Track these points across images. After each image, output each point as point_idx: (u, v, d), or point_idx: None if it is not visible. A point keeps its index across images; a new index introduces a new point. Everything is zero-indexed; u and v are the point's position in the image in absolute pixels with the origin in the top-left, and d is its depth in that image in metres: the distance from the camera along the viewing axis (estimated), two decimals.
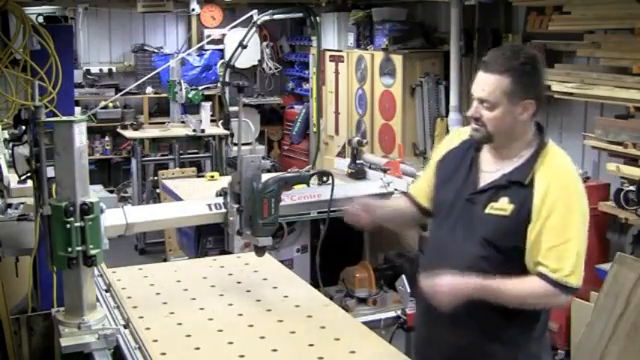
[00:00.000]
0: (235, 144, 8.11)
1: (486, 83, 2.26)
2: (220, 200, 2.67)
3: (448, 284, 2.21)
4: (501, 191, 2.28)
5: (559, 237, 2.20)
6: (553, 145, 2.34)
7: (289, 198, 3.65)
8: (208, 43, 8.79)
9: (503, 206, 2.26)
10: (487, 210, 2.28)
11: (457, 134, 2.55)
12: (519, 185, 2.26)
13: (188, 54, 8.69)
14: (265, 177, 2.61)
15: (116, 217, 2.49)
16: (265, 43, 9.17)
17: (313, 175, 2.77)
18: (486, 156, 2.39)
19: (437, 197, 2.50)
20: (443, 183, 2.47)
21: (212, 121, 8.23)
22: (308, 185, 2.80)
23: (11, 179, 3.72)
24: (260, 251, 2.67)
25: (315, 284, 2.92)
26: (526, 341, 2.34)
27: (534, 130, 2.35)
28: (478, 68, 2.33)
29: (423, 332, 2.51)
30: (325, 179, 2.82)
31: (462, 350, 2.34)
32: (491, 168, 2.35)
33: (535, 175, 2.25)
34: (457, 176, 2.42)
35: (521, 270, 2.25)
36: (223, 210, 2.65)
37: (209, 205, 2.68)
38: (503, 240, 2.26)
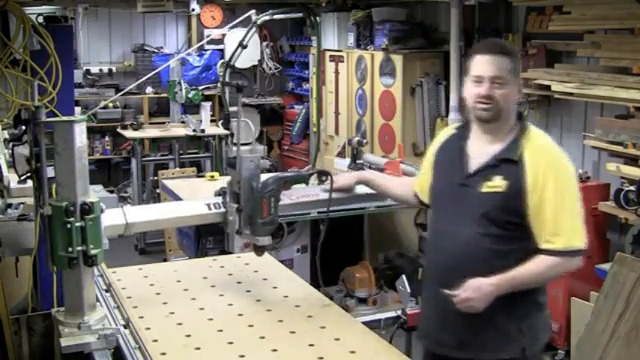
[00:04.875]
0: (235, 144, 8.12)
1: (494, 62, 2.48)
2: (219, 200, 2.65)
3: (476, 291, 2.38)
4: (493, 170, 2.46)
5: (555, 206, 2.38)
6: (534, 127, 2.56)
7: (288, 198, 3.65)
8: (208, 43, 8.79)
9: (497, 183, 2.44)
10: (483, 189, 2.46)
11: (444, 131, 2.79)
12: (509, 162, 2.44)
13: (188, 54, 8.69)
14: (264, 177, 2.60)
15: (115, 217, 2.48)
16: (265, 43, 9.17)
17: (312, 174, 2.77)
18: (473, 145, 2.57)
19: (433, 188, 2.68)
20: (438, 174, 2.66)
21: (212, 121, 8.23)
22: (307, 184, 2.81)
23: (11, 179, 3.72)
24: (259, 250, 2.66)
25: (315, 284, 2.92)
26: (529, 311, 2.50)
27: (515, 117, 2.55)
28: (470, 55, 2.56)
29: (434, 319, 2.60)
30: (324, 178, 2.82)
31: (475, 327, 2.46)
32: (479, 153, 2.53)
33: (523, 152, 2.44)
34: (448, 166, 2.61)
35: (520, 245, 2.42)
36: (222, 210, 2.63)
37: (208, 205, 2.66)
38: (501, 215, 2.43)
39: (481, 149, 2.53)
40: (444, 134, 2.75)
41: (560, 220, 2.39)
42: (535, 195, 2.39)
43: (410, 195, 2.89)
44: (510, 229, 2.43)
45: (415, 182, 2.89)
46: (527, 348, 2.49)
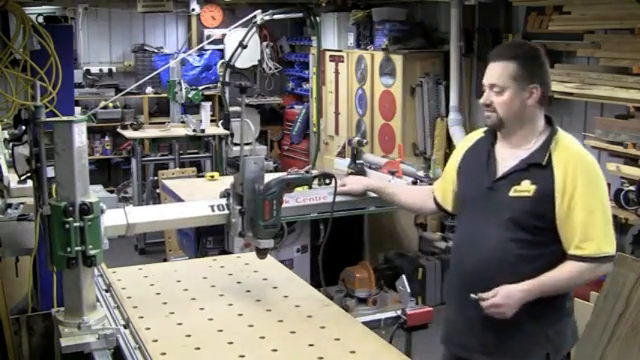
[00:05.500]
0: (235, 144, 8.11)
1: (495, 70, 2.46)
2: (222, 201, 2.63)
3: (506, 298, 2.37)
4: (522, 174, 2.44)
5: (585, 211, 2.35)
6: (562, 131, 2.51)
7: (294, 200, 3.66)
8: (208, 43, 8.79)
9: (526, 188, 2.42)
10: (511, 193, 2.43)
11: (471, 136, 2.75)
12: (538, 166, 2.42)
13: (188, 54, 8.69)
14: (267, 178, 2.59)
15: (117, 217, 2.47)
16: (265, 43, 9.17)
17: (315, 177, 2.74)
18: (501, 149, 2.55)
19: (460, 193, 2.66)
20: (465, 178, 2.63)
21: (212, 121, 8.24)
22: (310, 187, 2.77)
23: (11, 179, 3.72)
24: (262, 253, 2.64)
25: (316, 284, 2.92)
26: (557, 318, 2.49)
27: (544, 122, 2.51)
28: (487, 63, 2.51)
29: (460, 323, 2.60)
30: (327, 181, 2.79)
31: (502, 332, 2.46)
32: (507, 157, 2.51)
33: (552, 156, 2.41)
34: (476, 170, 2.58)
35: (548, 250, 2.41)
36: (226, 212, 2.60)
37: (212, 206, 2.63)
38: (529, 219, 2.41)
39: (509, 153, 2.51)
40: (472, 138, 2.71)
41: (591, 225, 2.36)
42: (564, 200, 2.36)
43: (424, 203, 2.88)
44: (538, 234, 2.41)
45: (435, 187, 2.88)
46: (551, 354, 2.49)
